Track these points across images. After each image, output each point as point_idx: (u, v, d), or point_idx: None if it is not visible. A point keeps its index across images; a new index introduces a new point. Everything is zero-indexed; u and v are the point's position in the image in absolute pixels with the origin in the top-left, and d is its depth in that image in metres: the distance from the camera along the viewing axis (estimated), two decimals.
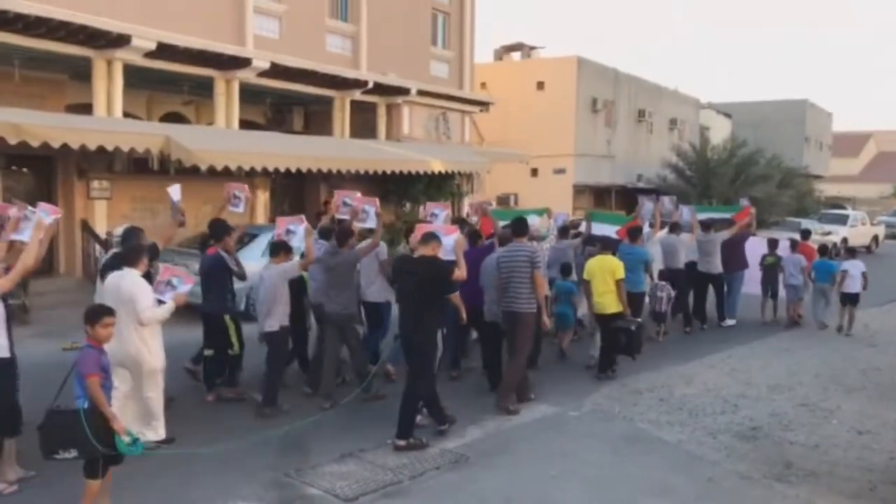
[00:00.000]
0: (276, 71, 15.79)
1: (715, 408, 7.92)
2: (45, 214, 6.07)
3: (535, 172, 26.83)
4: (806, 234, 14.29)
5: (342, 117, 18.32)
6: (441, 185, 18.59)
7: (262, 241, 11.65)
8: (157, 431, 6.36)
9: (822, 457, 6.55)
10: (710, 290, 12.54)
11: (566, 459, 6.41)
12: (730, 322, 12.55)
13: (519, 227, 7.95)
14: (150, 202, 14.43)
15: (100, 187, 13.60)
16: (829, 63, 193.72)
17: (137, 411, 6.31)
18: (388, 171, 15.61)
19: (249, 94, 16.37)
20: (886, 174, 67.07)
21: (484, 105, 22.82)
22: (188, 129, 13.89)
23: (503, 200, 25.90)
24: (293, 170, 13.53)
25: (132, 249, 6.45)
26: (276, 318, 7.40)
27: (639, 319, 9.28)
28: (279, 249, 7.59)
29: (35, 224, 5.84)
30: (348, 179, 17.91)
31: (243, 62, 15.05)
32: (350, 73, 17.61)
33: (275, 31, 16.54)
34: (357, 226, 8.16)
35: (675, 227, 11.90)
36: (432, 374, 6.88)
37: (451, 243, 7.24)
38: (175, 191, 7.71)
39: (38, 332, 10.57)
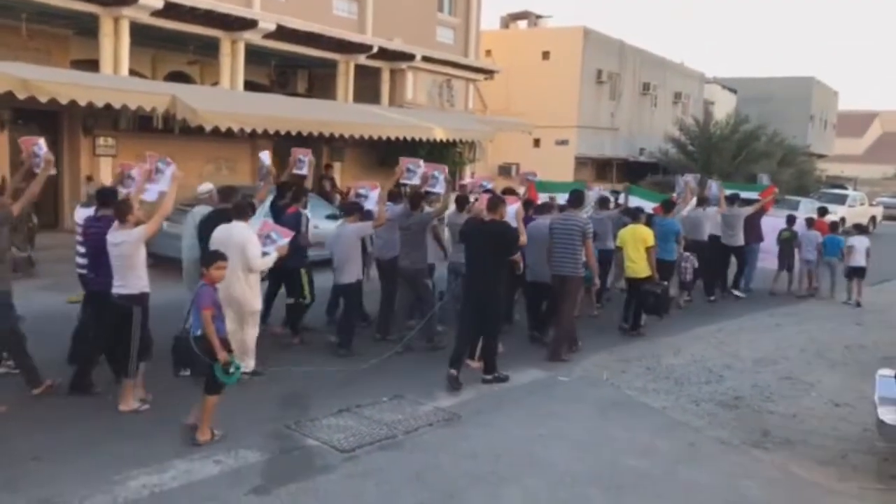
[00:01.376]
0: (282, 33, 15.86)
1: (700, 378, 8.19)
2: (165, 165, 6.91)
3: (537, 143, 26.90)
4: (823, 211, 15.04)
5: (346, 82, 18.40)
6: (443, 153, 18.68)
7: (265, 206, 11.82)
8: (248, 364, 7.00)
9: (799, 426, 6.83)
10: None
11: (554, 420, 6.68)
12: (740, 294, 13.13)
13: (576, 198, 8.85)
14: None
15: (105, 144, 13.75)
16: (836, 40, 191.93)
17: (236, 347, 6.70)
18: (392, 138, 15.71)
19: (254, 56, 16.44)
20: (890, 155, 66.93)
21: (489, 73, 22.84)
22: (194, 90, 13.98)
23: (505, 170, 25.99)
24: (295, 133, 13.65)
25: (241, 205, 7.20)
26: (352, 272, 8.23)
27: (665, 283, 10.03)
28: (353, 210, 8.46)
29: (170, 175, 6.74)
30: (351, 144, 18.06)
31: (249, 23, 15.13)
32: (355, 38, 17.67)
33: None
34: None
35: (702, 202, 12.69)
36: (499, 325, 7.83)
37: (512, 212, 8.00)
38: (266, 156, 8.67)
39: (45, 285, 10.82)
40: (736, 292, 13.16)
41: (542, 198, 10.91)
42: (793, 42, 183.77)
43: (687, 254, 11.68)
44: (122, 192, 7.06)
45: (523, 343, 9.13)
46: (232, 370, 5.59)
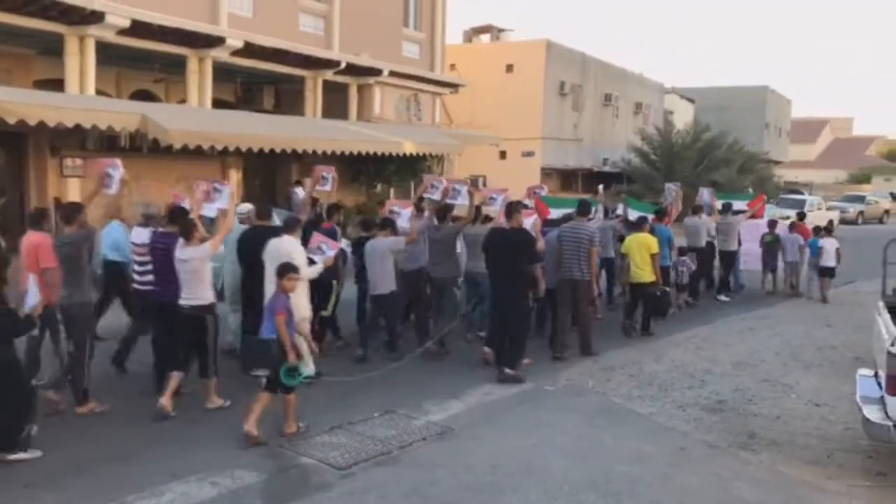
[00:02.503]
0: (250, 50, 15.77)
1: (683, 383, 8.33)
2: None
3: (503, 155, 27.09)
4: (801, 216, 16.15)
5: (314, 97, 18.35)
6: (413, 167, 18.76)
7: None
8: (308, 367, 7.26)
9: (783, 427, 6.98)
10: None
11: (545, 430, 6.74)
12: (725, 298, 13.77)
13: (583, 208, 9.59)
14: None
15: (73, 165, 13.49)
16: (789, 49, 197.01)
17: None
18: (363, 152, 15.73)
19: (220, 73, 16.31)
20: (841, 160, 68.90)
21: (455, 87, 22.98)
22: (163, 108, 13.86)
23: (472, 182, 26.09)
24: (267, 150, 13.60)
25: (291, 221, 7.92)
26: (386, 284, 8.69)
27: (666, 288, 10.92)
28: (387, 225, 8.97)
29: (228, 194, 7.59)
30: (320, 160, 18.00)
31: (217, 41, 15.02)
32: (323, 54, 17.66)
33: (248, 9, 16.47)
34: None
35: (697, 210, 13.53)
36: (525, 327, 8.46)
37: (530, 223, 8.72)
38: (298, 191, 9.39)
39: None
40: (722, 297, 13.71)
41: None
42: (746, 51, 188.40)
43: (684, 258, 12.46)
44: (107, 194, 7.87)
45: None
46: (296, 374, 6.14)
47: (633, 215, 11.81)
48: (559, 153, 29.12)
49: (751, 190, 15.97)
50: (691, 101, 44.66)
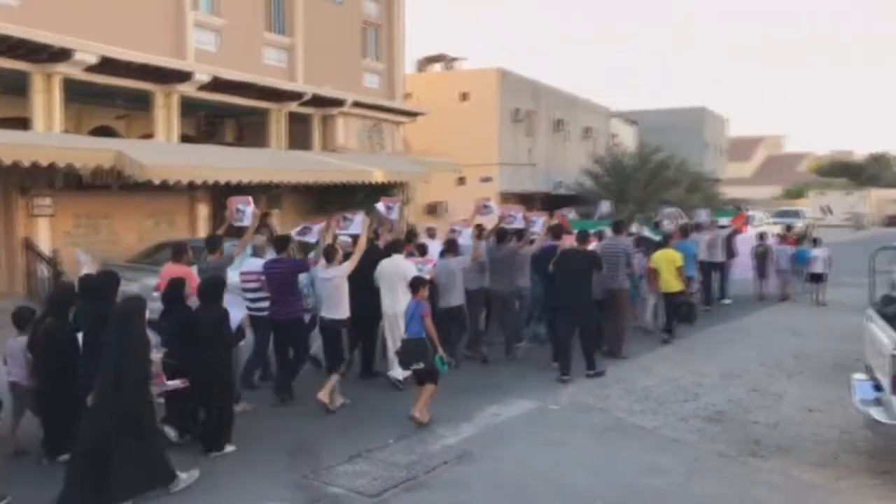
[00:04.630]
0: (216, 84, 15.77)
1: (678, 396, 8.60)
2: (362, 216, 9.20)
3: (462, 181, 27.37)
4: (788, 228, 18.96)
5: (278, 129, 18.38)
6: (381, 195, 18.85)
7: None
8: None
9: (784, 433, 7.29)
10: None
11: (561, 448, 6.91)
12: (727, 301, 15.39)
13: (619, 225, 11.27)
14: (93, 218, 14.19)
15: (42, 204, 13.22)
16: (721, 70, 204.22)
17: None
18: (336, 182, 15.82)
19: (183, 107, 16.21)
20: (775, 177, 71.49)
21: (414, 116, 23.26)
22: (135, 144, 13.74)
23: (433, 209, 26.38)
24: (245, 182, 13.57)
25: (398, 242, 9.25)
26: (458, 297, 9.70)
27: (694, 295, 12.40)
28: (452, 247, 10.05)
29: (360, 220, 8.94)
30: (287, 191, 18.01)
31: (185, 76, 14.99)
32: (288, 86, 17.74)
33: (213, 44, 16.50)
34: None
35: (697, 227, 14.66)
36: (594, 331, 9.62)
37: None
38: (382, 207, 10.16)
39: None
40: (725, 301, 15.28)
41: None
42: (681, 73, 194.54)
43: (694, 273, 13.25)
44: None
45: (505, 375, 9.45)
46: (446, 361, 7.51)
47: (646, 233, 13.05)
48: (515, 178, 29.60)
49: (729, 208, 17.88)
50: (634, 123, 45.89)
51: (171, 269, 7.97)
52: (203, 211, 16.51)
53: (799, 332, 12.58)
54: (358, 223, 8.93)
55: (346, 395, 8.19)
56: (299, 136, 19.35)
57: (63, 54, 12.76)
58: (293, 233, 9.43)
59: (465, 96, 28.42)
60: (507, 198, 29.05)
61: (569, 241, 10.06)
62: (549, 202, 30.07)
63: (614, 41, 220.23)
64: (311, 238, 9.50)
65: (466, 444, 6.96)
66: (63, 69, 13.04)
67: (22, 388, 6.53)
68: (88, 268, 7.67)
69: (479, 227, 10.91)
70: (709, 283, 14.88)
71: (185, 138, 17.46)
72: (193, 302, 7.07)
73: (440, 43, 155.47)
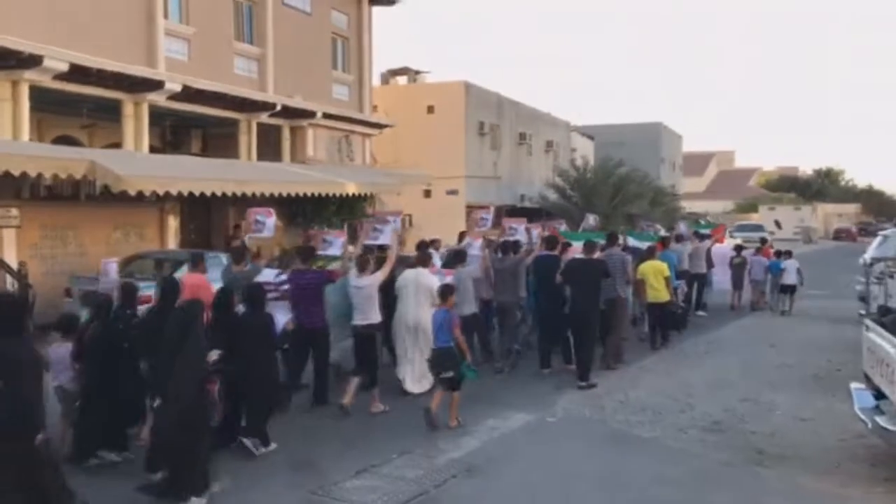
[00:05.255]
0: (187, 93, 15.48)
1: (673, 407, 8.63)
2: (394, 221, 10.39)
3: (428, 194, 27.33)
4: (764, 241, 19.45)
5: (248, 140, 18.11)
6: (353, 207, 18.74)
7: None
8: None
9: (783, 442, 7.36)
10: None
11: (566, 460, 6.86)
12: (702, 313, 15.65)
13: (612, 238, 11.34)
14: (60, 229, 13.70)
15: (7, 215, 12.71)
16: (674, 85, 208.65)
17: (418, 369, 8.88)
18: (308, 194, 15.61)
19: (150, 117, 15.87)
20: (726, 191, 73.23)
21: (382, 128, 23.18)
22: (107, 154, 13.34)
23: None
24: (219, 193, 13.29)
25: (425, 256, 9.50)
26: (470, 306, 9.93)
27: (683, 304, 12.72)
28: (464, 257, 10.40)
29: (391, 231, 9.59)
30: (258, 202, 17.70)
31: (156, 84, 14.67)
32: (259, 96, 17.51)
33: (184, 53, 16.21)
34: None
35: (679, 238, 15.17)
36: (594, 341, 9.89)
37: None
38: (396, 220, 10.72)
39: None
40: (700, 312, 15.41)
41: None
42: (635, 88, 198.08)
43: (679, 282, 13.43)
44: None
45: (494, 386, 9.36)
46: (471, 370, 7.88)
47: (633, 244, 12.89)
48: (481, 191, 29.67)
49: (707, 220, 18.34)
50: (591, 137, 46.47)
51: (190, 278, 8.29)
52: (173, 222, 16.11)
53: (774, 343, 12.78)
54: (388, 234, 9.46)
55: (335, 412, 8.04)
56: (268, 147, 19.08)
57: (32, 61, 12.38)
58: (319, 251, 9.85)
59: (431, 109, 28.46)
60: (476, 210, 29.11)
61: (573, 252, 10.34)
62: (515, 215, 30.22)
63: (567, 58, 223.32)
64: (334, 251, 9.73)
65: (470, 458, 6.85)
66: (32, 76, 12.66)
67: (67, 392, 6.68)
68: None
69: (488, 240, 11.40)
70: (691, 294, 15.13)
71: (151, 149, 17.10)
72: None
73: (403, 56, 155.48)
